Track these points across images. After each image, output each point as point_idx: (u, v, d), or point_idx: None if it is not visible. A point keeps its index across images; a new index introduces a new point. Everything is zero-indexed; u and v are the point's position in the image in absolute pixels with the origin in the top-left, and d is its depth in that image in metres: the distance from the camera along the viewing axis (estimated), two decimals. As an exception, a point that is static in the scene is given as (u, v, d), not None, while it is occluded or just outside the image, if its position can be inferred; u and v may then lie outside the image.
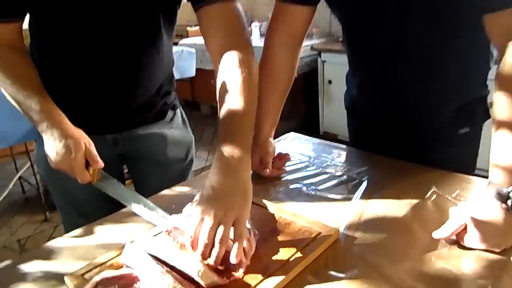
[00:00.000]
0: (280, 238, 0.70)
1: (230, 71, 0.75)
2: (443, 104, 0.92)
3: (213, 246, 0.59)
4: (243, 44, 0.79)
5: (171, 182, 0.97)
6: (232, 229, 0.61)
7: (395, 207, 0.79)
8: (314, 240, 0.69)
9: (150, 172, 1.11)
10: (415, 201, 0.81)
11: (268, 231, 0.73)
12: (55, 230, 2.20)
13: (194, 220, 0.61)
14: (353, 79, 1.05)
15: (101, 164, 0.81)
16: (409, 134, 0.98)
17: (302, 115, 3.31)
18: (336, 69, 2.99)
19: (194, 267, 0.57)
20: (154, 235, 0.68)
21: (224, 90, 0.73)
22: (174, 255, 0.60)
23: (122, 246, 0.66)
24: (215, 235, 0.59)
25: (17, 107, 0.84)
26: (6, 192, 2.36)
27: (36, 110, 0.81)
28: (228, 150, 0.66)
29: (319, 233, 0.71)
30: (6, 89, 0.83)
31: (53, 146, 0.80)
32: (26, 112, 0.83)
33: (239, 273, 0.60)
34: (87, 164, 0.82)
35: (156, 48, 0.94)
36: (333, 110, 3.15)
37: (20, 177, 2.45)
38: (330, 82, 3.12)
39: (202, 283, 0.56)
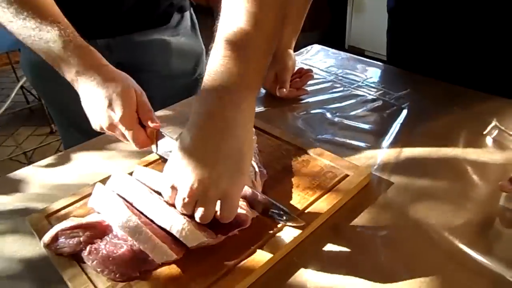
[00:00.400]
0: (295, 180, 0.55)
1: None
2: None
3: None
4: None
5: (177, 98, 0.81)
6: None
7: (444, 145, 0.62)
8: (339, 184, 0.53)
9: (152, 86, 0.94)
10: (469, 136, 0.63)
11: (280, 169, 0.57)
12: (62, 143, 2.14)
13: (165, 183, 0.44)
14: None
15: (158, 122, 0.57)
16: (471, 50, 0.76)
17: (326, 26, 2.96)
18: (370, -29, 2.56)
19: (176, 222, 0.43)
20: (130, 173, 0.54)
21: None
22: (152, 203, 0.45)
23: (94, 184, 0.52)
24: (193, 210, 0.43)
25: (31, 46, 0.58)
26: (9, 101, 2.26)
27: (59, 46, 0.55)
28: (220, 85, 0.41)
29: (346, 175, 0.55)
30: (14, 25, 0.57)
31: (90, 98, 0.57)
32: (44, 52, 0.57)
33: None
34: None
35: None
36: (362, 21, 2.79)
37: (22, 87, 2.33)
38: (361, -13, 2.71)
39: (187, 244, 0.42)
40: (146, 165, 0.59)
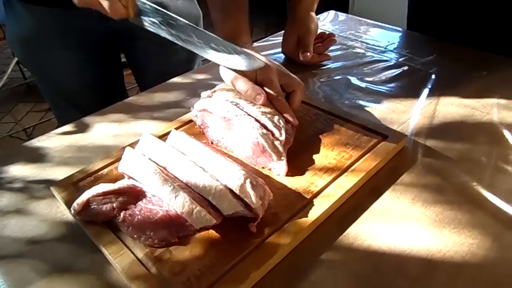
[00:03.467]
0: (329, 143, 0.53)
1: None
2: None
3: None
4: None
5: (176, 67, 0.77)
6: None
7: (478, 108, 0.60)
8: (375, 148, 0.51)
9: (150, 54, 0.90)
10: (503, 101, 0.61)
11: (312, 134, 0.55)
12: (62, 119, 2.09)
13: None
14: None
15: None
16: (495, 14, 0.73)
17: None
18: None
19: (212, 188, 0.41)
20: (161, 135, 0.51)
21: None
22: (186, 168, 0.43)
23: (122, 149, 0.50)
24: None
25: None
26: (5, 77, 2.19)
27: None
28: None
29: (381, 140, 0.53)
30: None
31: None
32: None
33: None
34: None
35: None
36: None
37: (18, 63, 2.25)
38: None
39: (222, 212, 0.41)
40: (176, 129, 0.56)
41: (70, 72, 0.84)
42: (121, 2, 0.54)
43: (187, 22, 0.52)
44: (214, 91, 0.56)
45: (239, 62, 0.52)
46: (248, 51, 0.53)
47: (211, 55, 0.53)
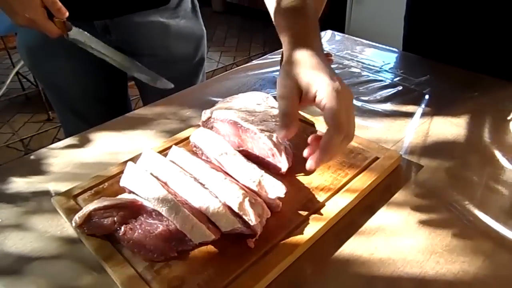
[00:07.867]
0: (326, 162, 0.54)
1: None
2: None
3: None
4: None
5: (178, 83, 0.79)
6: None
7: (470, 129, 0.61)
8: (370, 166, 0.53)
9: (152, 69, 0.92)
10: (494, 121, 0.63)
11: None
12: (60, 130, 2.10)
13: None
14: None
15: (64, 12, 0.67)
16: (489, 37, 0.76)
17: (325, 12, 2.93)
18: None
19: (211, 205, 0.42)
20: (161, 151, 0.52)
21: None
22: (186, 184, 0.44)
23: (124, 163, 0.51)
24: None
25: None
26: (4, 88, 2.20)
27: None
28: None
29: (376, 158, 0.54)
30: None
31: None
32: None
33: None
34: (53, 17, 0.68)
35: None
36: (363, 11, 2.76)
37: (18, 74, 2.26)
38: (362, -24, 2.69)
39: (221, 228, 0.42)
40: (176, 144, 0.57)
41: (73, 81, 0.86)
42: (56, 25, 0.68)
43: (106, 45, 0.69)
44: (212, 113, 0.58)
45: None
46: None
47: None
